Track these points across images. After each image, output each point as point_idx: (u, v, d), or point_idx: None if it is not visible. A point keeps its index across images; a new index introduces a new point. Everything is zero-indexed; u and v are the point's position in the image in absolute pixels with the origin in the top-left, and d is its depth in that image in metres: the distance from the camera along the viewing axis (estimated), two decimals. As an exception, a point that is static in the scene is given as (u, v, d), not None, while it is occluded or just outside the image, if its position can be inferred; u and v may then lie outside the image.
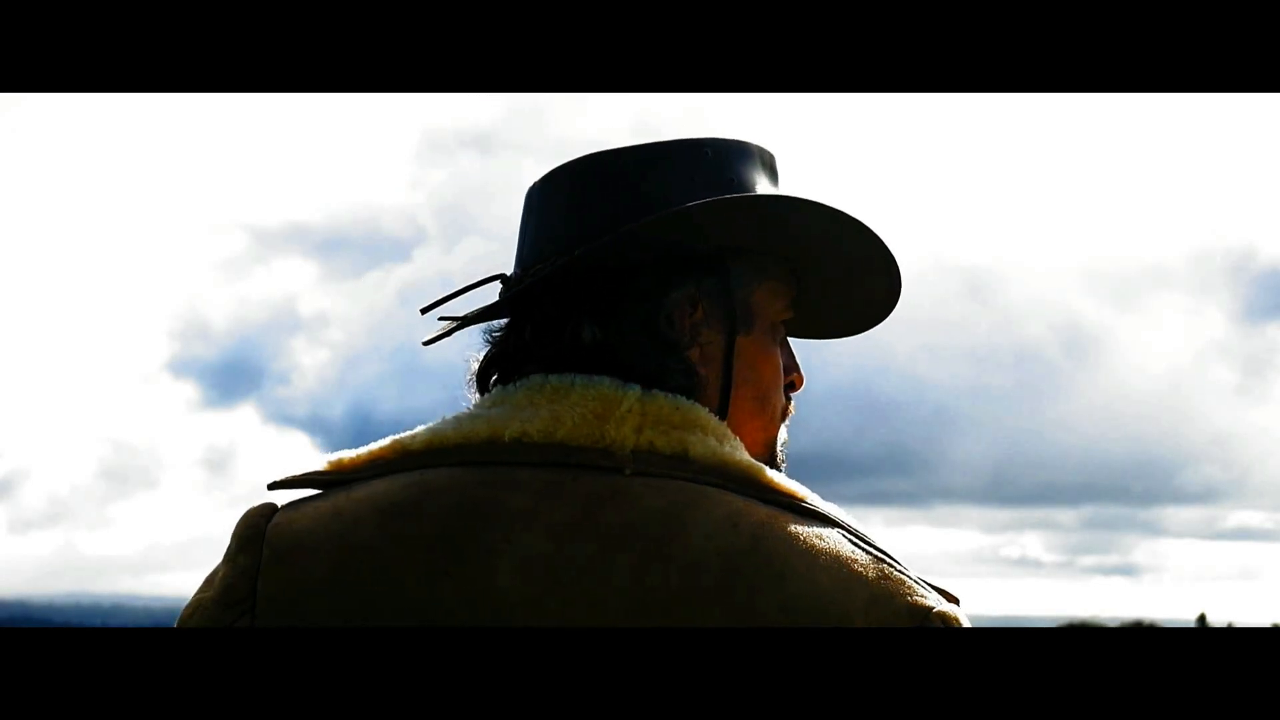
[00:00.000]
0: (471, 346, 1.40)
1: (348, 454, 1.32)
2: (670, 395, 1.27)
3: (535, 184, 1.39)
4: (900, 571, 1.22)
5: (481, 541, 1.19)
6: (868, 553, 1.22)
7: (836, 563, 1.19)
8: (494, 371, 1.36)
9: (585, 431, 1.24)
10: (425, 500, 1.23)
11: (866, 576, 1.19)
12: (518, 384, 1.30)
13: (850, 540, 1.23)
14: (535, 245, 1.36)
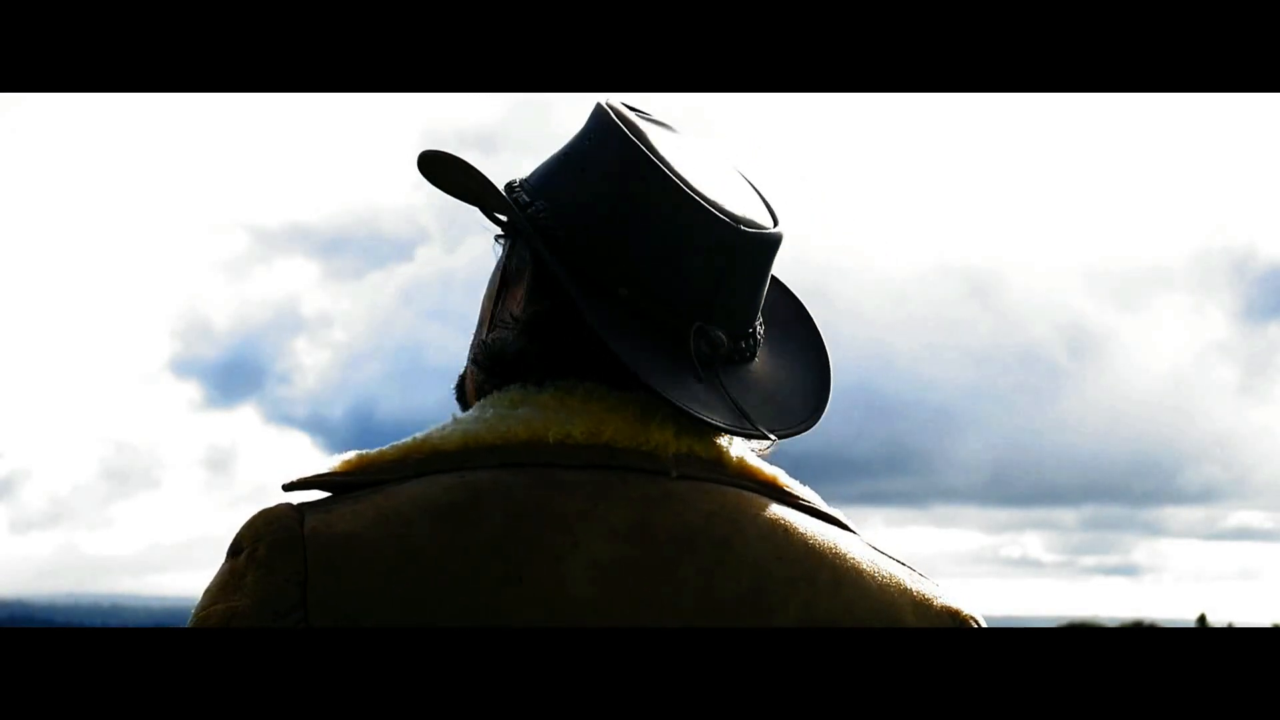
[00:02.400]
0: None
1: (365, 453, 1.26)
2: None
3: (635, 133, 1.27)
4: (920, 574, 1.27)
5: (547, 545, 1.16)
6: (889, 557, 1.27)
7: (875, 567, 1.23)
8: (527, 365, 1.28)
9: (629, 434, 1.23)
10: (477, 503, 1.17)
11: (904, 581, 1.25)
12: (543, 385, 1.26)
13: (869, 545, 1.27)
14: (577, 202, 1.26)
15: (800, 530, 1.22)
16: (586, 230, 1.27)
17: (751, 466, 1.27)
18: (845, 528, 1.27)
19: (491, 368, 1.30)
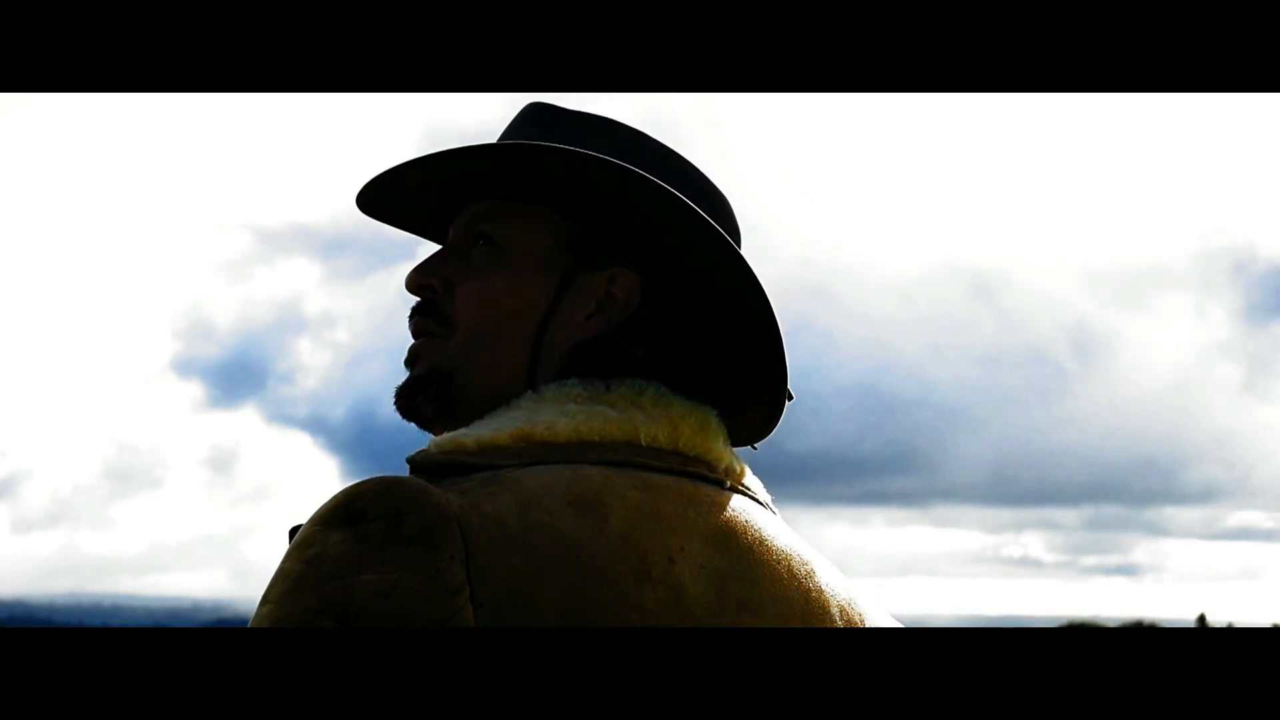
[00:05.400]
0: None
1: (474, 436, 1.25)
2: (724, 415, 1.35)
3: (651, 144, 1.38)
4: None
5: (663, 545, 1.19)
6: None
7: (853, 583, 1.38)
8: (605, 357, 1.31)
9: (695, 443, 1.29)
10: (601, 499, 1.19)
11: (871, 600, 1.39)
12: (611, 384, 1.29)
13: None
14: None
15: (808, 547, 1.34)
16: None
17: (753, 480, 1.36)
18: None
19: (583, 364, 1.31)
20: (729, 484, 1.30)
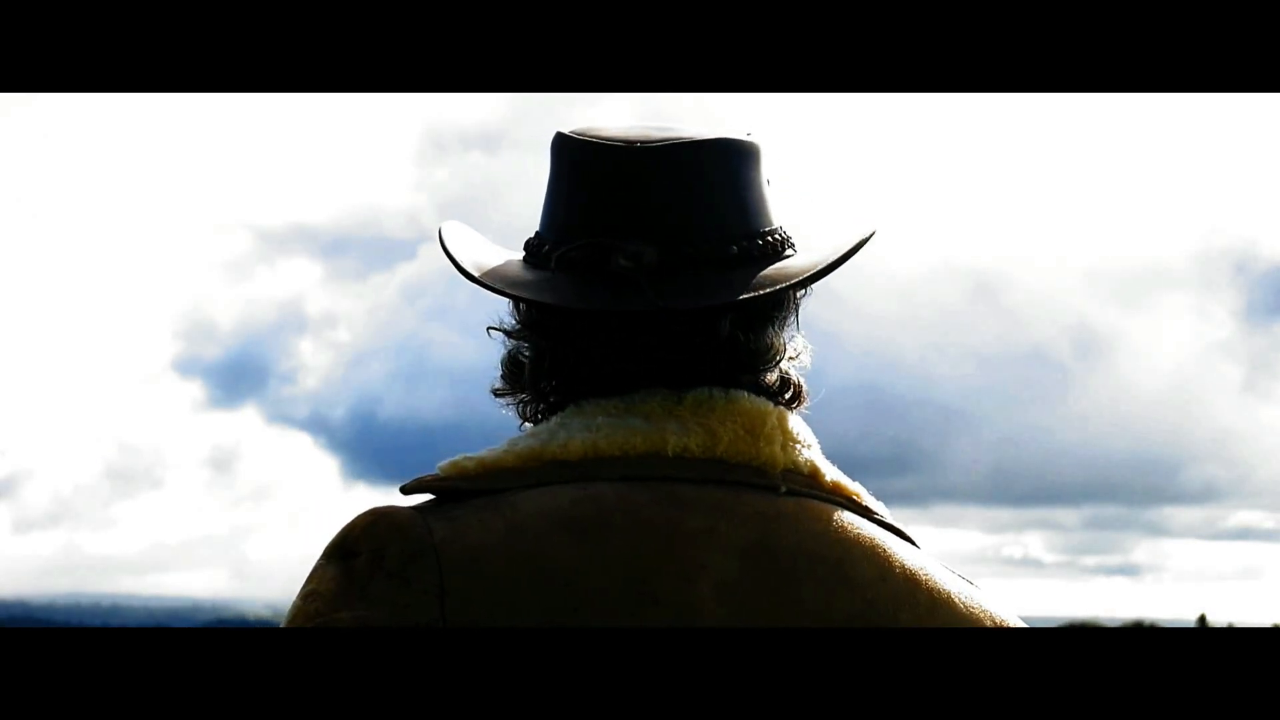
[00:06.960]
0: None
1: (477, 458, 1.23)
2: (795, 413, 1.30)
3: (666, 147, 1.27)
4: (986, 593, 1.29)
5: (678, 564, 1.15)
6: (959, 576, 1.29)
7: (960, 590, 1.26)
8: (541, 367, 1.28)
9: (741, 448, 1.23)
10: (606, 519, 1.16)
11: (984, 605, 1.27)
12: (642, 394, 1.25)
13: (942, 564, 1.29)
14: (696, 220, 1.25)
15: (895, 551, 1.25)
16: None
17: (841, 482, 1.28)
18: (911, 541, 1.29)
19: (512, 377, 1.31)
20: (785, 489, 1.23)
